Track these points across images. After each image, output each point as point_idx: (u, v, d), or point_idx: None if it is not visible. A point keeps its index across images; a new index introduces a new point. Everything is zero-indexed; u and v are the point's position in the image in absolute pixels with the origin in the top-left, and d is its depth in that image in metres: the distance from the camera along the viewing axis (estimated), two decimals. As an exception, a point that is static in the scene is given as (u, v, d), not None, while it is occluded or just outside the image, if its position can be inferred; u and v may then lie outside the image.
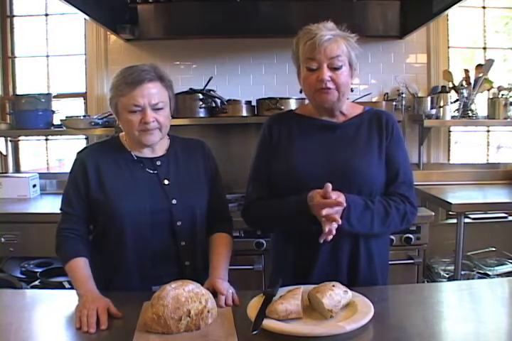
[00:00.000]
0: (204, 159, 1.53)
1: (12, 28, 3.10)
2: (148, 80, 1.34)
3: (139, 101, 1.33)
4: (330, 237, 1.24)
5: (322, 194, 1.24)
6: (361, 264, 1.40)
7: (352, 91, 1.42)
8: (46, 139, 3.20)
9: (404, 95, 2.83)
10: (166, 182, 1.44)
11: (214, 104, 2.62)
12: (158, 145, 1.47)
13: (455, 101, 2.84)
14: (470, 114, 2.81)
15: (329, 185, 1.22)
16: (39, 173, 2.92)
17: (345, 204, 1.23)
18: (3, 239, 2.32)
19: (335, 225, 1.23)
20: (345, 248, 1.39)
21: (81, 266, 1.34)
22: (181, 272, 1.43)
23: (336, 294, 1.12)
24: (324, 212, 1.21)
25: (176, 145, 1.51)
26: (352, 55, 1.36)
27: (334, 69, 1.33)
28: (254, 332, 1.03)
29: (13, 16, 3.11)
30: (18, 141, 3.16)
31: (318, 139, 1.43)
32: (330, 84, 1.33)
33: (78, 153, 1.47)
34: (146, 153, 1.46)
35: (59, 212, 1.46)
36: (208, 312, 1.10)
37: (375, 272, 1.43)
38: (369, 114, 1.46)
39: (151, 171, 1.44)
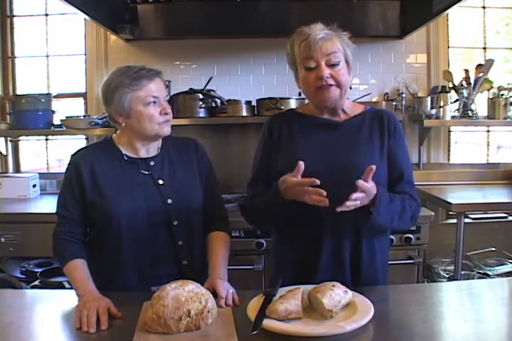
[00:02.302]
0: (197, 157, 1.53)
1: (12, 28, 3.10)
2: (156, 75, 1.39)
3: (156, 93, 1.37)
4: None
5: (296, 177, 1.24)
6: (363, 263, 1.40)
7: (350, 88, 1.42)
8: (46, 139, 3.20)
9: (404, 95, 2.83)
10: (161, 182, 1.44)
11: (214, 104, 2.62)
12: (152, 145, 1.47)
13: (455, 101, 2.84)
14: (470, 114, 2.81)
15: (301, 163, 1.24)
16: (39, 173, 2.92)
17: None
18: (3, 239, 2.33)
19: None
20: (347, 246, 1.39)
21: (79, 267, 1.34)
22: (179, 272, 1.43)
23: (336, 294, 1.12)
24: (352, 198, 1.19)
25: (168, 145, 1.52)
26: (347, 52, 1.36)
27: (332, 65, 1.33)
28: (254, 332, 1.03)
29: (13, 16, 3.12)
30: (18, 141, 3.16)
31: (320, 138, 1.43)
32: (330, 81, 1.33)
33: (72, 156, 1.47)
34: (141, 153, 1.46)
35: (57, 213, 1.46)
36: (208, 312, 1.09)
37: (376, 270, 1.43)
38: (370, 114, 1.47)
39: (146, 172, 1.45)
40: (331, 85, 1.34)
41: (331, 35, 1.34)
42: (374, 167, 1.22)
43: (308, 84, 1.36)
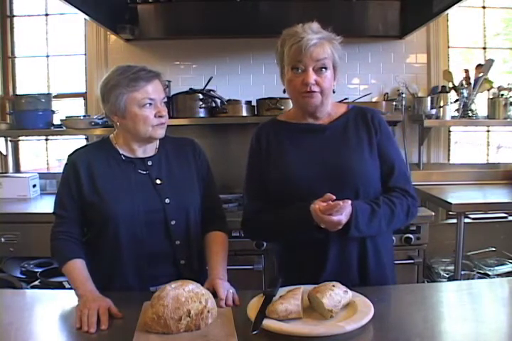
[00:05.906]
0: (195, 157, 1.53)
1: (12, 28, 3.11)
2: (155, 77, 1.39)
3: (153, 95, 1.37)
4: None
5: (323, 203, 1.24)
6: (370, 262, 1.40)
7: (334, 92, 1.42)
8: (46, 139, 3.20)
9: (404, 95, 2.83)
10: (158, 181, 1.44)
11: (214, 104, 2.62)
12: (149, 145, 1.47)
13: (455, 101, 2.84)
14: (470, 114, 2.81)
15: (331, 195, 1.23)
16: (39, 173, 2.92)
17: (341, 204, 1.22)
18: (3, 239, 2.33)
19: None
20: (353, 247, 1.39)
21: (78, 267, 1.34)
22: (177, 271, 1.43)
23: (335, 294, 1.12)
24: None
25: (166, 145, 1.51)
26: (336, 57, 1.37)
27: (320, 71, 1.34)
28: (254, 332, 1.03)
29: (13, 16, 3.12)
30: (18, 141, 3.16)
31: (308, 143, 1.43)
32: (315, 88, 1.34)
33: (69, 156, 1.47)
34: (138, 153, 1.46)
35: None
36: (208, 312, 1.09)
37: (384, 269, 1.43)
38: (354, 112, 1.47)
39: (143, 172, 1.45)
40: (315, 92, 1.34)
41: (322, 39, 1.33)
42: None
43: (294, 87, 1.37)
